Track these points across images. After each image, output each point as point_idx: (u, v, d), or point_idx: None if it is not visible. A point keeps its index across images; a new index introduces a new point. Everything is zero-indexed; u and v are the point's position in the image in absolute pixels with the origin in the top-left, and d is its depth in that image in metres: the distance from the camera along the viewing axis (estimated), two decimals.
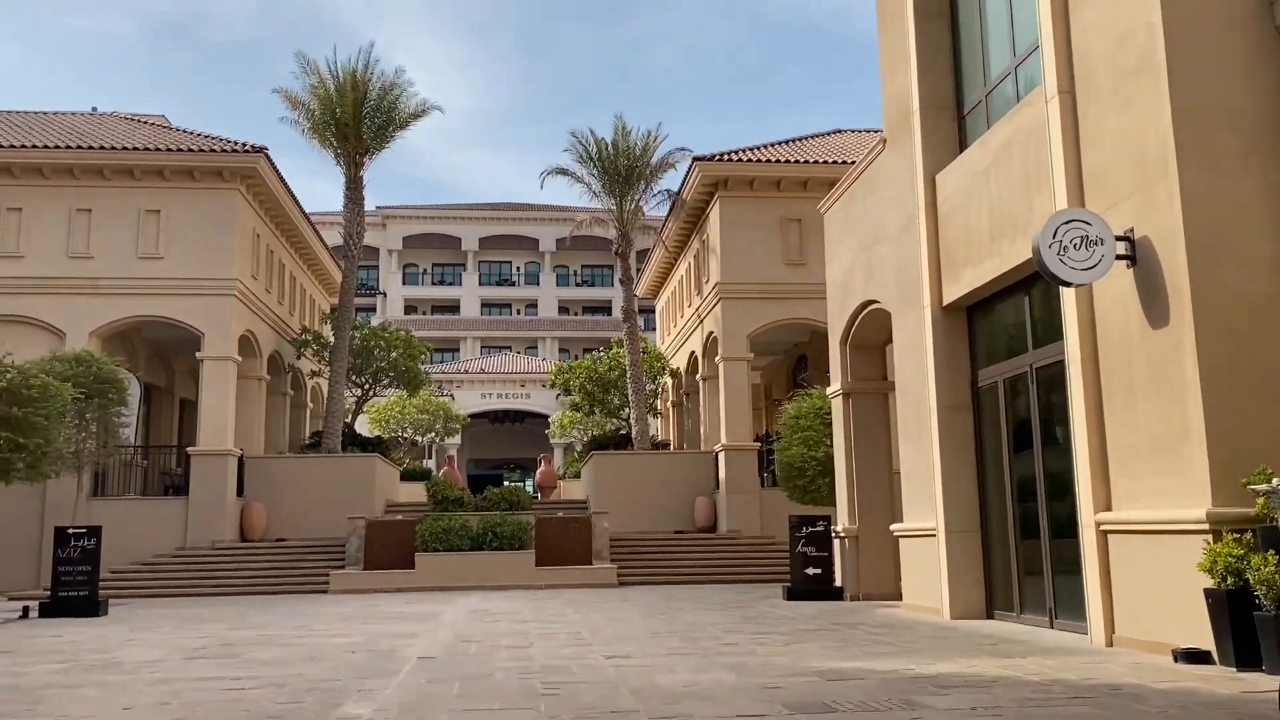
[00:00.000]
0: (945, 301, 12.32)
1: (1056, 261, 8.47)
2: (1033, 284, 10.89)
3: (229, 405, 24.20)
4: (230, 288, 24.23)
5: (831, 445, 18.29)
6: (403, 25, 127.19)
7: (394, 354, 30.39)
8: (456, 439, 48.46)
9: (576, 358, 71.62)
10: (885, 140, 14.23)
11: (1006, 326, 11.74)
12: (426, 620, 13.12)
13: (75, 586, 14.97)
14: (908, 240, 13.26)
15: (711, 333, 26.66)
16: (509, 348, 71.46)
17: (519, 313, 77.28)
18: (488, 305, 77.16)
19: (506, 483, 29.09)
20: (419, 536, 20.79)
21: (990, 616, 11.80)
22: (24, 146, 23.75)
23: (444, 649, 9.52)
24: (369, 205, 27.81)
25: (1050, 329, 10.51)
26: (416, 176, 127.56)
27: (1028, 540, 11.07)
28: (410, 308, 75.85)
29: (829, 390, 16.82)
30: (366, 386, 30.75)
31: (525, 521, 21.34)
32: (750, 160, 25.49)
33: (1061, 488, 10.29)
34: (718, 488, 25.64)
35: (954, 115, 12.81)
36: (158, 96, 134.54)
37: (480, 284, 76.92)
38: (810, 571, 15.88)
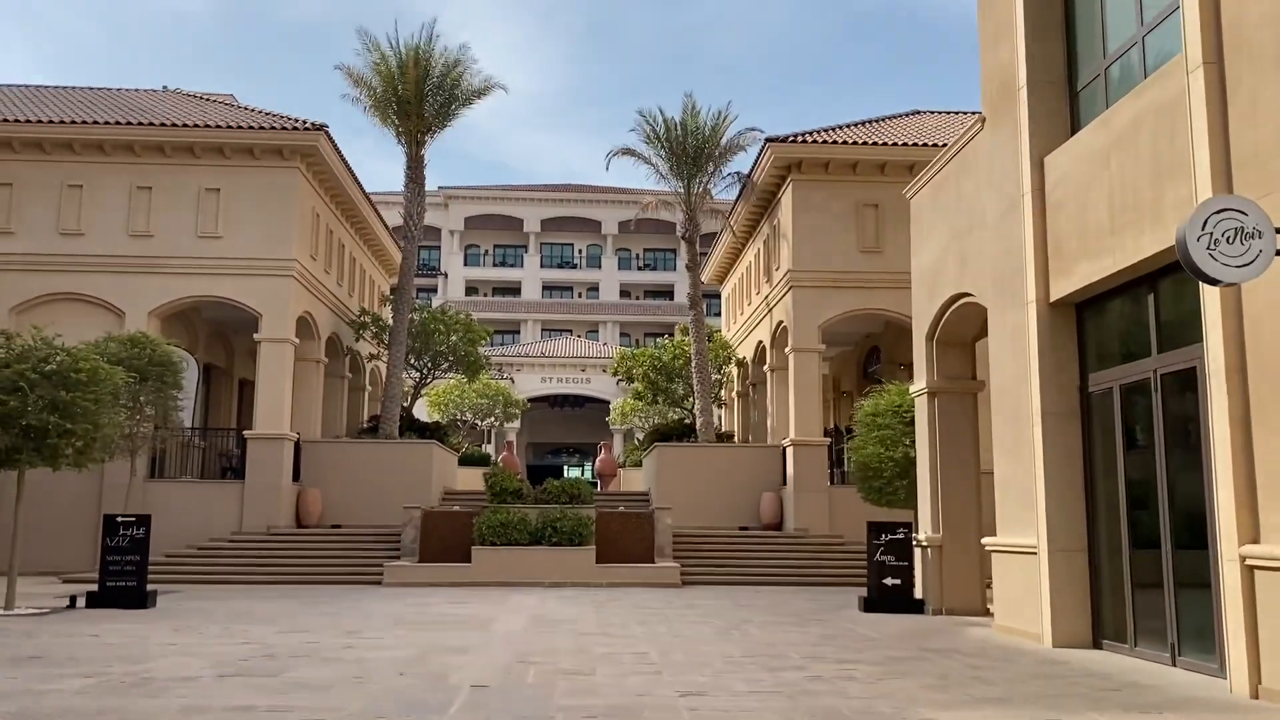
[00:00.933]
0: (1053, 297, 11.18)
1: (1206, 257, 7.33)
2: (1159, 280, 9.73)
3: (286, 388, 23.76)
4: (289, 268, 23.74)
5: (911, 446, 17.23)
6: (468, 6, 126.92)
7: (454, 337, 29.78)
8: (516, 423, 47.97)
9: (638, 342, 71.08)
10: (984, 119, 13.07)
11: (1125, 327, 10.57)
12: (482, 628, 12.36)
13: (123, 577, 14.50)
14: (1009, 228, 12.11)
15: (781, 322, 25.59)
16: (569, 331, 70.85)
17: (580, 296, 76.60)
18: (549, 287, 76.61)
19: (566, 471, 28.31)
20: (476, 529, 20.12)
21: (1097, 646, 10.69)
22: (85, 123, 23.45)
23: (499, 673, 8.71)
24: (430, 185, 27.20)
25: (1181, 331, 9.35)
26: (478, 157, 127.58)
27: (1144, 565, 9.94)
28: (471, 289, 75.61)
29: (912, 388, 15.72)
30: (425, 370, 30.20)
31: (586, 516, 20.55)
32: (825, 142, 24.31)
33: (1190, 511, 9.15)
34: (785, 484, 24.64)
35: (1065, 91, 11.62)
36: (228, 77, 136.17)
37: (541, 266, 76.38)
38: (889, 582, 14.84)
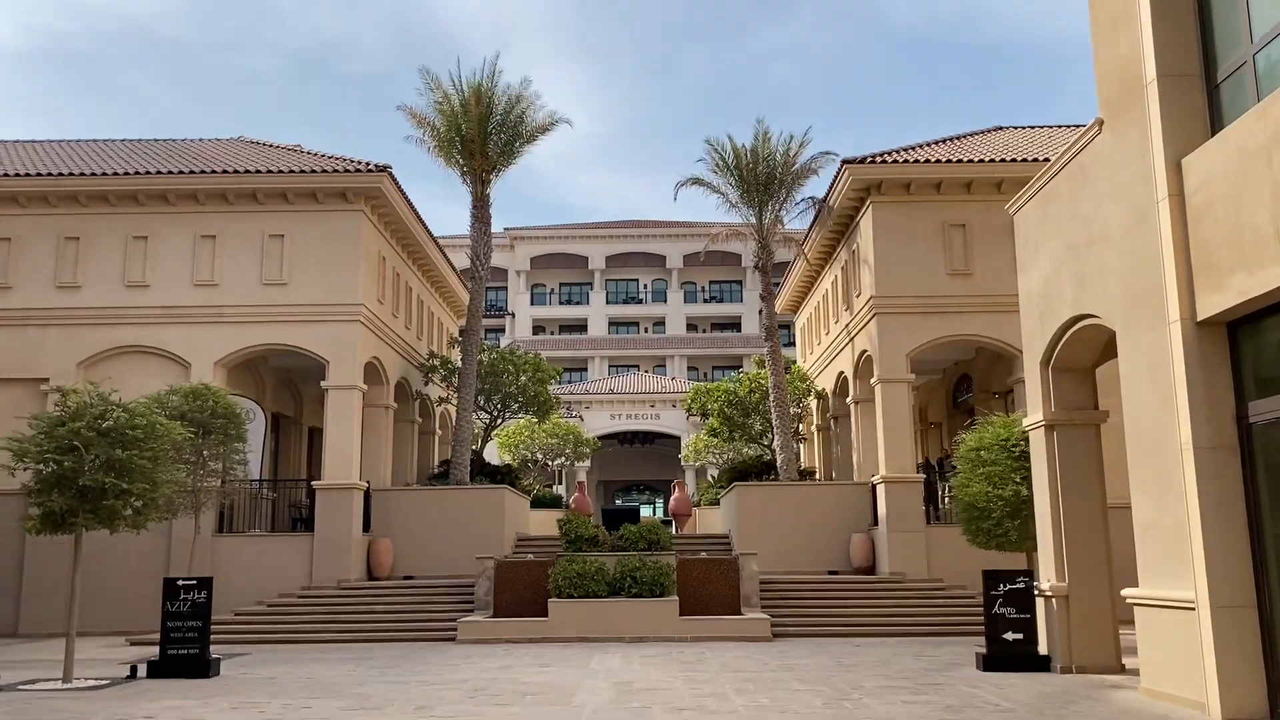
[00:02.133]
0: (1200, 315, 9.84)
1: None
2: None
3: (354, 436, 23.08)
4: (355, 313, 23.14)
5: (1022, 483, 15.86)
6: (526, 52, 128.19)
7: (523, 378, 28.98)
8: (586, 462, 47.03)
9: (706, 375, 69.94)
10: (1101, 122, 11.81)
11: None
12: (564, 701, 11.25)
13: (185, 644, 13.72)
14: (1139, 240, 10.80)
15: (865, 351, 24.28)
16: (637, 367, 70.13)
17: (646, 331, 75.89)
18: (615, 323, 76.08)
19: (642, 512, 27.10)
20: (552, 580, 19.07)
21: (1275, 717, 9.22)
22: (148, 173, 23.20)
23: None
24: (495, 227, 26.51)
25: None
26: (541, 200, 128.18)
27: None
28: (538, 328, 75.34)
29: (1026, 421, 14.34)
30: (496, 411, 29.41)
31: (666, 564, 19.38)
32: (905, 161, 23.07)
33: None
34: (876, 524, 23.22)
35: (1202, 85, 10.33)
36: (297, 130, 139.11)
37: (607, 302, 75.97)
38: (1010, 637, 13.42)
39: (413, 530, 23.70)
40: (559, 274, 76.64)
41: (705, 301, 76.37)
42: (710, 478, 44.11)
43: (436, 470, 28.25)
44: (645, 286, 76.86)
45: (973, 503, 16.55)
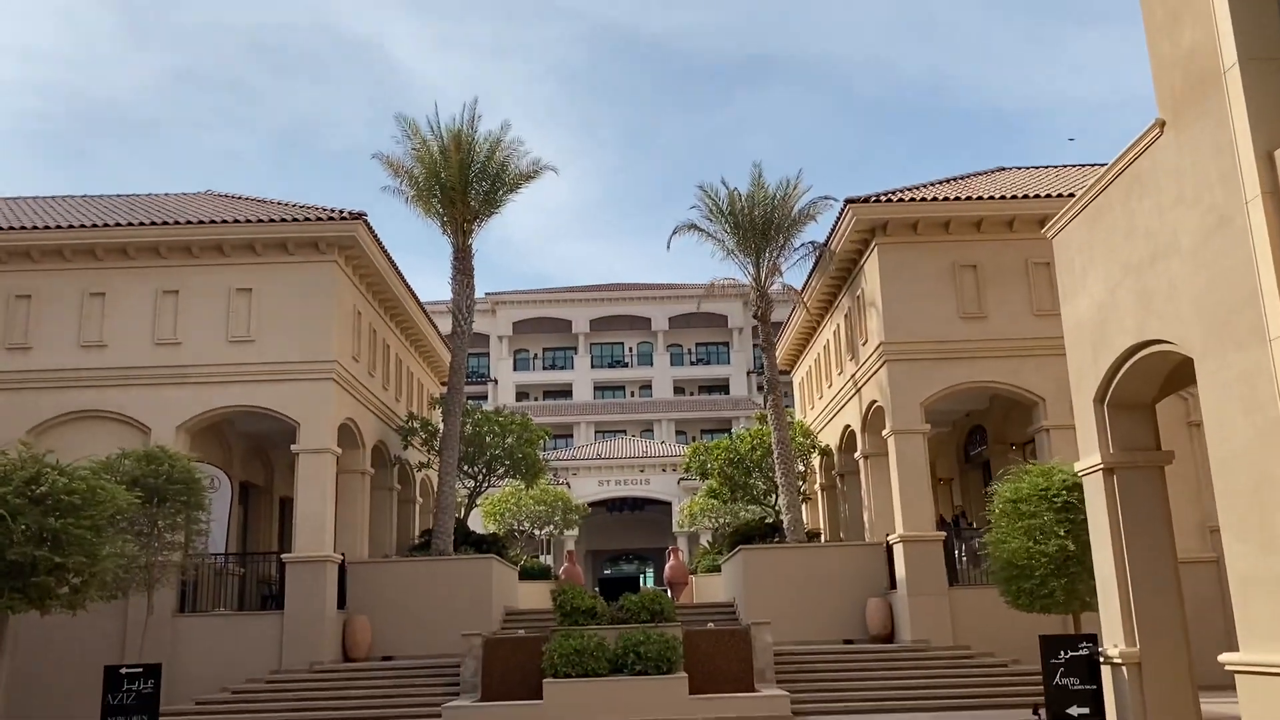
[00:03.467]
0: None
1: None
2: None
3: (328, 504, 21.33)
4: (329, 371, 21.55)
5: (1067, 537, 14.40)
6: (501, 119, 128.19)
7: (509, 440, 27.32)
8: (574, 531, 45.10)
9: (694, 439, 68.11)
10: (1162, 123, 10.50)
11: None
12: None
13: None
14: (1220, 249, 9.42)
15: (874, 402, 22.82)
16: (624, 431, 68.37)
17: (633, 395, 74.40)
18: (600, 388, 74.60)
19: (642, 581, 25.23)
20: (546, 659, 17.24)
21: None
22: (107, 225, 21.72)
23: None
24: (477, 293, 25.11)
25: None
26: (518, 270, 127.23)
27: None
28: (522, 394, 73.69)
29: (1079, 465, 12.82)
30: (480, 478, 27.67)
31: (672, 637, 17.62)
32: (911, 199, 21.87)
33: None
34: (893, 587, 21.55)
35: None
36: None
37: (592, 367, 74.62)
38: (1075, 712, 11.77)
39: (392, 606, 21.84)
40: (542, 339, 75.32)
41: (692, 364, 75.13)
42: (705, 544, 42.32)
43: (417, 541, 26.41)
44: (630, 350, 75.61)
45: (1011, 560, 15.06)
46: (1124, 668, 11.63)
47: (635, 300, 74.67)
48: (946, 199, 21.76)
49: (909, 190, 22.87)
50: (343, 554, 21.87)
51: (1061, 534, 14.47)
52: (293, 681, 19.49)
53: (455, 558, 22.89)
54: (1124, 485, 11.98)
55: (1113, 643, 11.87)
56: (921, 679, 18.38)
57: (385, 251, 23.64)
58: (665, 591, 30.79)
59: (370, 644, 21.46)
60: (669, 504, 54.79)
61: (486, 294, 71.81)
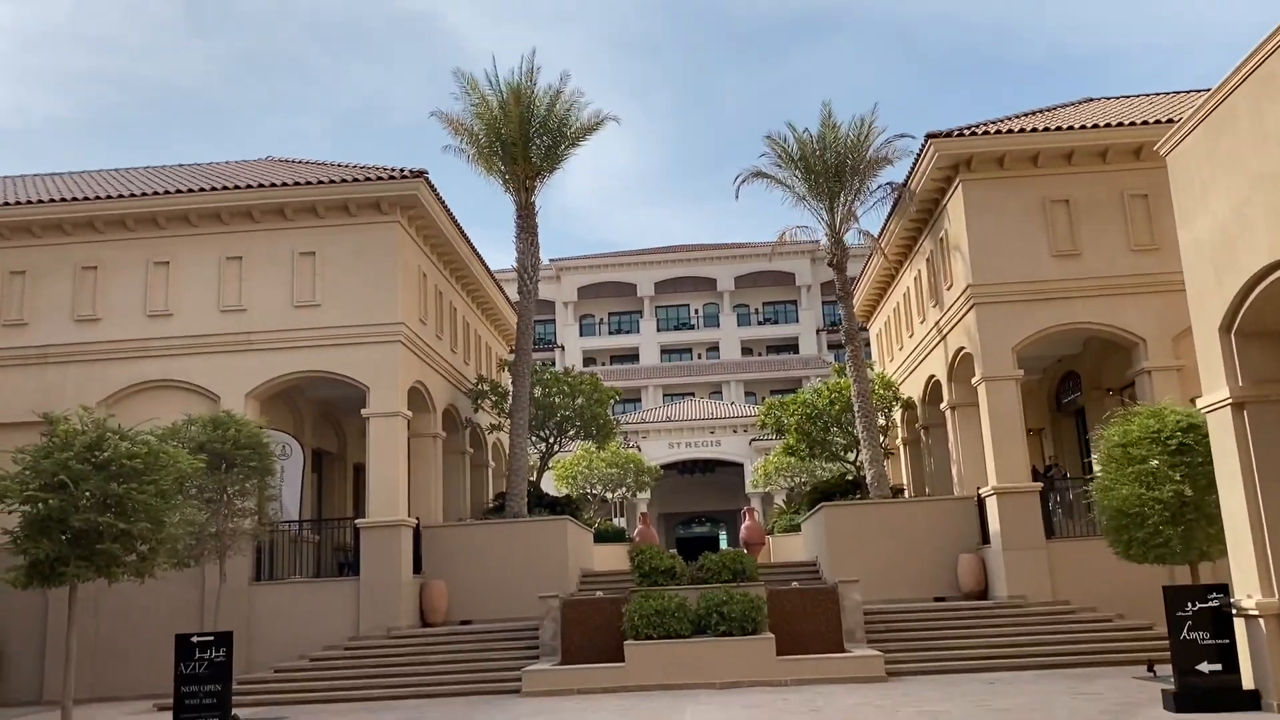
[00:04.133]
0: None
1: None
2: None
3: (400, 468, 20.97)
4: (395, 333, 21.10)
5: (1184, 481, 13.31)
6: (563, 72, 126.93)
7: (578, 401, 26.75)
8: (646, 494, 44.64)
9: (763, 400, 67.28)
10: None
11: None
12: None
13: (202, 712, 11.55)
14: None
15: (961, 349, 21.72)
16: (692, 394, 67.53)
17: (699, 357, 73.46)
18: (667, 351, 73.77)
19: (719, 543, 24.45)
20: (627, 620, 16.68)
21: None
22: (168, 193, 21.46)
23: None
24: (542, 259, 24.39)
25: None
26: (580, 237, 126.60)
27: None
28: (589, 359, 73.25)
29: (1202, 402, 11.76)
30: (551, 440, 27.16)
31: (756, 597, 16.92)
32: (997, 133, 20.60)
33: None
34: (986, 542, 20.57)
35: None
36: None
37: (658, 330, 73.76)
38: (1206, 669, 10.79)
39: (468, 570, 21.48)
40: (607, 303, 74.68)
41: (760, 324, 73.88)
42: (780, 504, 41.55)
43: (492, 505, 26.06)
44: (696, 312, 74.63)
45: (1122, 508, 14.00)
46: (1260, 620, 10.63)
47: (699, 261, 73.58)
48: (1035, 130, 20.47)
49: (992, 124, 21.59)
50: (417, 518, 21.53)
51: (1177, 478, 13.41)
52: (371, 648, 19.23)
53: (530, 520, 22.44)
54: (1256, 421, 10.93)
55: (1246, 593, 10.87)
56: (1021, 636, 17.45)
57: (448, 210, 23.08)
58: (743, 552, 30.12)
59: (447, 608, 21.13)
60: (740, 465, 54.06)
61: (550, 260, 71.34)
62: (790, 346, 73.03)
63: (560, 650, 17.43)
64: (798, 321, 73.19)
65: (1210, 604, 10.95)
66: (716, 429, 55.09)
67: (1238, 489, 10.98)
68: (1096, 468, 15.74)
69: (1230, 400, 11.05)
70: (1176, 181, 11.99)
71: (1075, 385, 24.31)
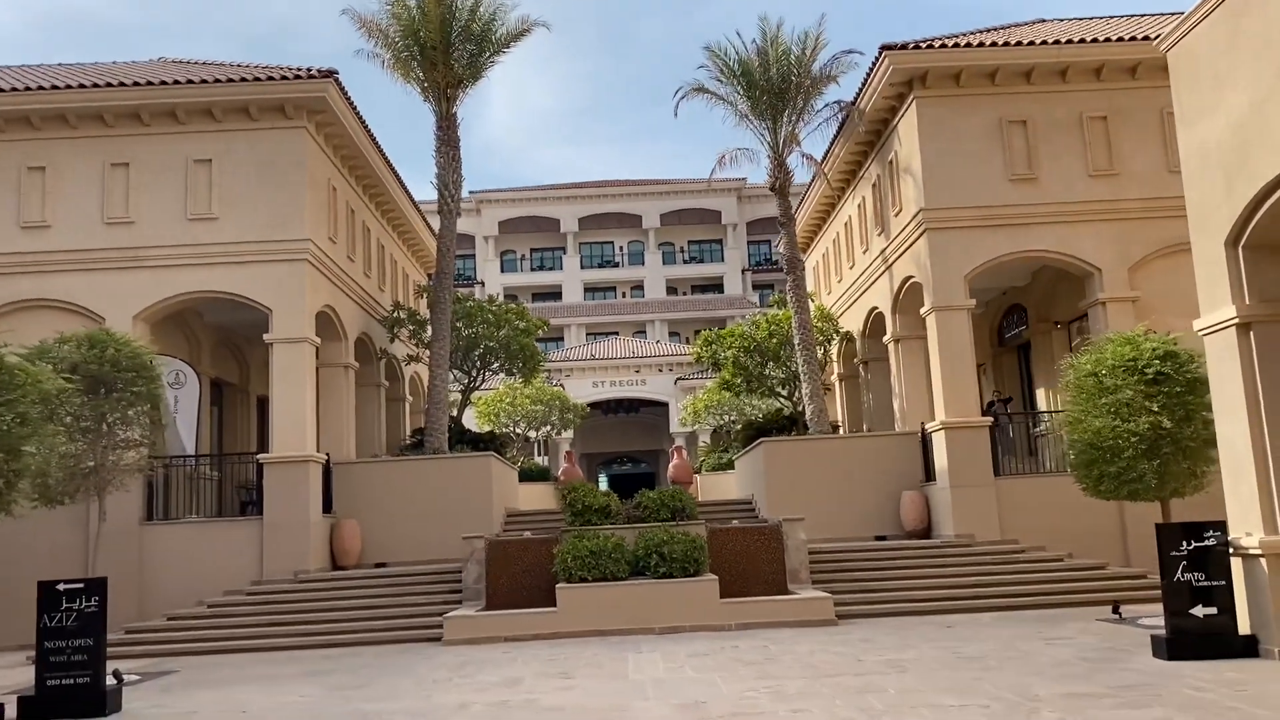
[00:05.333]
0: None
1: None
2: None
3: (307, 398, 19.20)
4: (302, 251, 19.21)
5: (1160, 412, 12.44)
6: None
7: (503, 331, 25.13)
8: (569, 433, 43.36)
9: (688, 340, 66.22)
10: None
11: None
12: None
13: (70, 671, 9.93)
14: None
15: (910, 278, 20.67)
16: (615, 333, 66.20)
17: (624, 296, 72.00)
18: (591, 289, 72.14)
19: (654, 480, 23.20)
20: (559, 561, 15.38)
21: None
22: (43, 89, 19.06)
23: None
24: (463, 192, 22.51)
25: None
26: (501, 175, 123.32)
27: None
28: (510, 296, 70.95)
29: (1201, 323, 10.74)
30: (474, 373, 25.53)
31: (698, 537, 15.75)
32: (955, 45, 19.37)
33: None
34: (930, 479, 19.73)
35: None
36: None
37: (582, 267, 71.98)
38: (1200, 612, 9.90)
39: (384, 510, 19.92)
40: (529, 239, 72.59)
41: (685, 263, 72.62)
42: (705, 443, 40.66)
43: (409, 441, 24.41)
44: (621, 249, 72.99)
45: (1094, 442, 13.08)
46: (1262, 559, 9.75)
47: (625, 197, 71.77)
48: (994, 44, 19.28)
49: (949, 39, 20.34)
50: (327, 454, 19.85)
51: (1155, 409, 12.51)
52: (277, 592, 17.63)
53: (452, 456, 20.93)
54: (1264, 343, 9.96)
55: (1246, 531, 9.98)
56: (972, 577, 16.62)
57: (360, 118, 21.07)
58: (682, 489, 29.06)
59: (361, 550, 19.59)
60: (665, 405, 53.07)
61: (470, 193, 68.75)
62: (715, 286, 71.99)
63: (485, 595, 16.08)
64: (723, 261, 72.13)
65: (1207, 543, 10.02)
66: (642, 368, 53.90)
67: (1240, 418, 10.02)
68: (1063, 398, 14.84)
69: (1236, 320, 10.04)
70: (1180, 79, 10.84)
71: (1020, 319, 23.54)
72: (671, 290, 71.89)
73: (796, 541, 16.57)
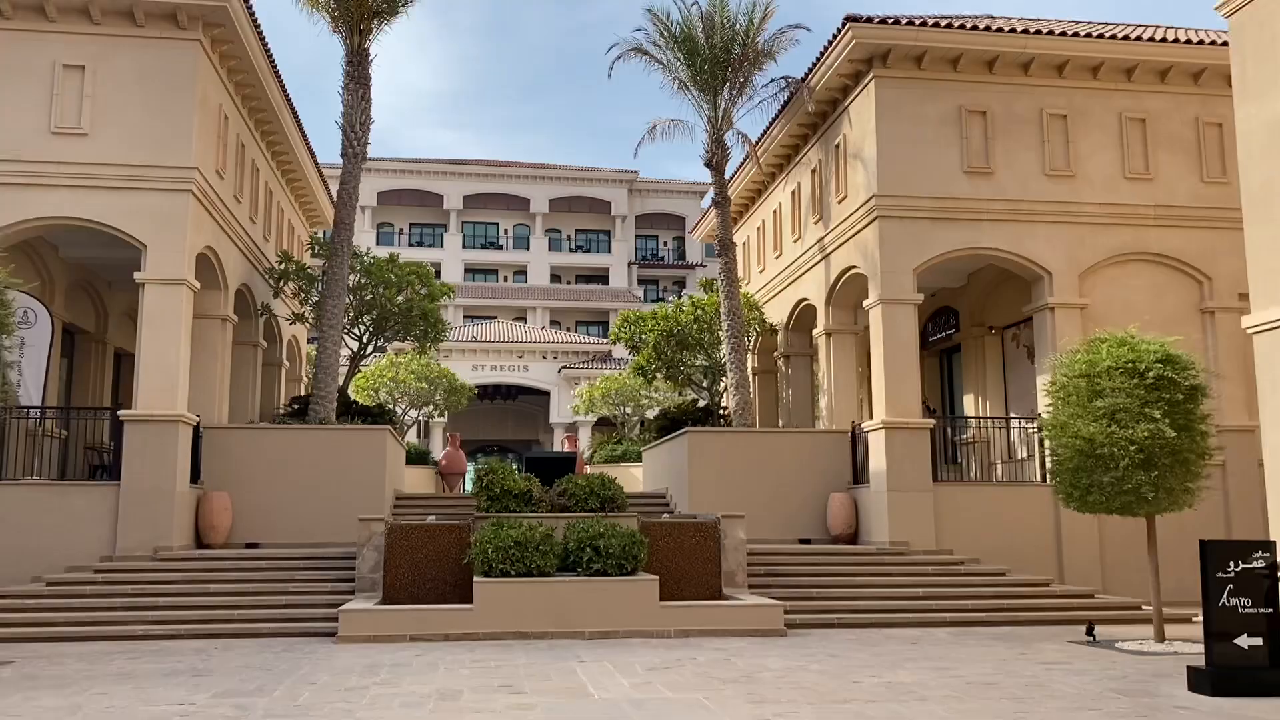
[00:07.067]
0: None
1: None
2: None
3: (181, 352, 16.69)
4: (187, 180, 16.72)
5: (1163, 419, 11.46)
6: None
7: (403, 295, 22.90)
8: (444, 417, 41.08)
9: (569, 330, 64.45)
10: None
11: None
12: None
13: None
14: None
15: (850, 269, 19.55)
16: (494, 317, 63.93)
17: (506, 279, 69.73)
18: (472, 270, 69.54)
19: (574, 465, 21.25)
20: (476, 551, 13.48)
21: None
22: None
23: None
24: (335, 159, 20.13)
25: None
26: (375, 152, 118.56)
27: None
28: None
29: (1251, 320, 9.74)
30: (365, 339, 23.21)
31: (634, 531, 14.11)
32: (922, 25, 18.31)
33: None
34: (859, 480, 18.65)
35: None
36: None
37: (464, 247, 69.38)
38: (1245, 644, 8.83)
39: (260, 483, 17.60)
40: (410, 212, 69.53)
41: (571, 251, 70.84)
42: (584, 435, 39.14)
43: (287, 408, 21.93)
44: (506, 231, 70.68)
45: (1085, 450, 12.05)
46: None
47: (513, 179, 69.59)
48: (962, 27, 18.29)
49: (915, 18, 19.28)
50: (198, 416, 17.36)
51: (1157, 415, 11.55)
52: (131, 570, 15.13)
53: (345, 427, 18.69)
54: None
55: None
56: (917, 589, 15.48)
57: (262, 39, 18.61)
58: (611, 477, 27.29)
59: (230, 527, 17.24)
60: (547, 394, 51.34)
61: None
62: (601, 277, 70.51)
63: (384, 586, 14.02)
64: (610, 252, 70.70)
65: (1255, 566, 8.97)
66: (525, 354, 52.01)
67: None
68: (1044, 403, 13.86)
69: None
70: (1244, 48, 9.82)
71: (949, 322, 22.78)
72: (555, 278, 70.07)
73: (735, 541, 15.12)
